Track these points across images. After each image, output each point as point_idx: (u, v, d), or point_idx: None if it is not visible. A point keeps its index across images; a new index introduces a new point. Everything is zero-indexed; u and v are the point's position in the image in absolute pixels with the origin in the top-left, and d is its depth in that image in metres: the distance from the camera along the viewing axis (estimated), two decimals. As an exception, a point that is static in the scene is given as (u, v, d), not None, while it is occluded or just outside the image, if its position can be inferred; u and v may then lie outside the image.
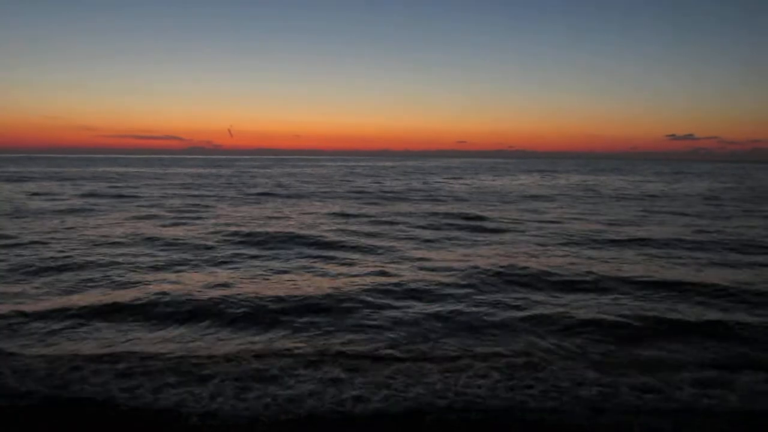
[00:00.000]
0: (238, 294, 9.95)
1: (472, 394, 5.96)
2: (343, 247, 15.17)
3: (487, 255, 14.10)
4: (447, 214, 23.38)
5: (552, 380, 6.34)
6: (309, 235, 16.77)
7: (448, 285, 10.78)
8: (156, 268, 12.30)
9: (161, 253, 14.01)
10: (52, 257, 13.15)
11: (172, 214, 22.92)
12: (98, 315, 8.81)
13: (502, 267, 12.24)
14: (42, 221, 20.24)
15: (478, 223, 20.70)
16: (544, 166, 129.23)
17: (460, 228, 19.30)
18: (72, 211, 23.78)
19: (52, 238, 16.05)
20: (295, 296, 9.82)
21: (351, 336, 7.94)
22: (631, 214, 24.38)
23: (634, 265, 12.88)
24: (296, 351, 7.34)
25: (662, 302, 9.77)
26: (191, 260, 13.25)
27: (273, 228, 18.43)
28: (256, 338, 7.90)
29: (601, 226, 20.02)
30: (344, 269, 12.41)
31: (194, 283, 10.95)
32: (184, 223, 20.08)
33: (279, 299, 9.61)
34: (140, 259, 13.26)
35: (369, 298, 9.77)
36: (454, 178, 61.36)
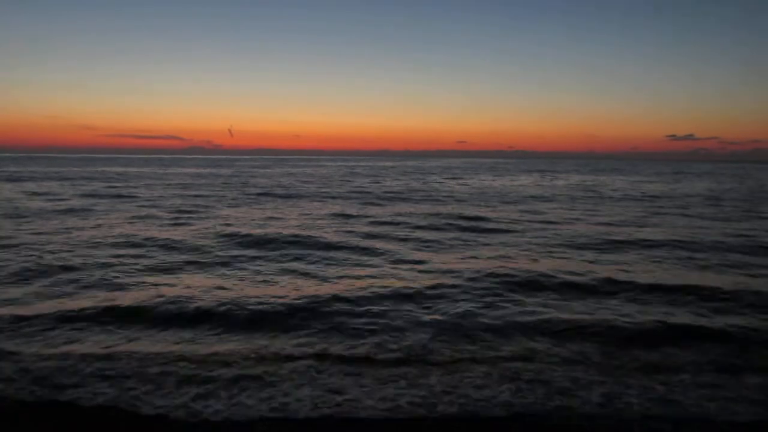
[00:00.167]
0: (237, 296, 9.92)
1: (473, 398, 5.94)
2: (343, 248, 15.14)
3: (487, 256, 14.08)
4: (447, 215, 23.37)
5: (553, 383, 6.32)
6: (309, 236, 16.74)
7: (448, 287, 10.75)
8: (155, 270, 12.28)
9: (161, 255, 13.98)
10: (52, 258, 13.13)
11: (172, 215, 22.90)
12: (97, 316, 8.78)
13: (502, 269, 12.22)
14: (42, 221, 20.23)
15: (478, 223, 20.66)
16: (544, 166, 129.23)
17: (460, 229, 19.28)
18: (72, 212, 23.76)
19: (52, 239, 16.04)
20: (295, 298, 9.80)
21: (351, 339, 7.91)
22: (632, 215, 24.36)
23: (634, 267, 12.86)
24: (295, 354, 7.31)
25: (663, 305, 9.75)
26: (191, 261, 13.22)
27: (273, 229, 18.41)
28: (255, 340, 7.87)
29: (602, 227, 20.00)
30: (344, 271, 12.38)
31: (193, 284, 10.93)
32: (183, 224, 20.06)
33: (278, 301, 9.59)
34: (139, 260, 13.24)
35: (369, 301, 9.74)
36: (454, 178, 61.36)
